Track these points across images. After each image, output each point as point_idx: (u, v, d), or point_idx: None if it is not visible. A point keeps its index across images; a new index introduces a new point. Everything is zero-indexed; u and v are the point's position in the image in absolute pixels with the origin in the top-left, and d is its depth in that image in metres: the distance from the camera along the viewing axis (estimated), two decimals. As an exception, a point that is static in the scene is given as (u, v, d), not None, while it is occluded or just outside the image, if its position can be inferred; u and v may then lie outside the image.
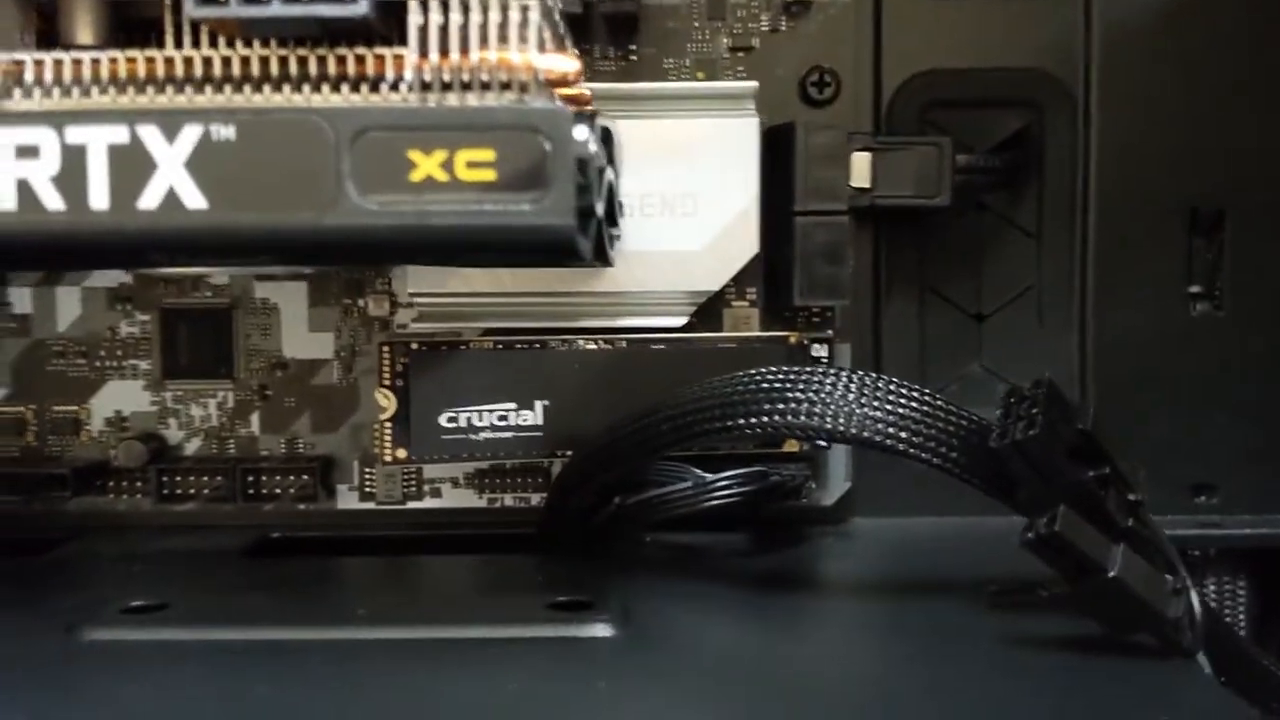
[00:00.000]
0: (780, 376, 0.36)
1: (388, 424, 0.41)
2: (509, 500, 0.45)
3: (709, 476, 0.40)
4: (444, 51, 0.25)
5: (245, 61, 0.26)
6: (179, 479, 0.45)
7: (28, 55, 0.26)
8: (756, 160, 0.42)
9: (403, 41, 0.25)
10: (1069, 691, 0.30)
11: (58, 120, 0.24)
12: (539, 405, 0.42)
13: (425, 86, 0.25)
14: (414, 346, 0.41)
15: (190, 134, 0.24)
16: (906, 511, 0.46)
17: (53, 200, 0.24)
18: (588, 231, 0.25)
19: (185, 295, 0.45)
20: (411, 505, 0.46)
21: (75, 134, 0.24)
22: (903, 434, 0.34)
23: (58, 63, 0.26)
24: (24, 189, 0.24)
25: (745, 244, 0.42)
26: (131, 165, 0.24)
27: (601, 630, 0.33)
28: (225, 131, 0.24)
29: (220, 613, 0.35)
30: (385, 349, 0.41)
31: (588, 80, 0.42)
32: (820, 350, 0.43)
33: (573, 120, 0.24)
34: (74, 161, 0.24)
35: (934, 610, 0.36)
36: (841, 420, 0.34)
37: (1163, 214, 0.46)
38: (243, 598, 0.37)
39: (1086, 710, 0.29)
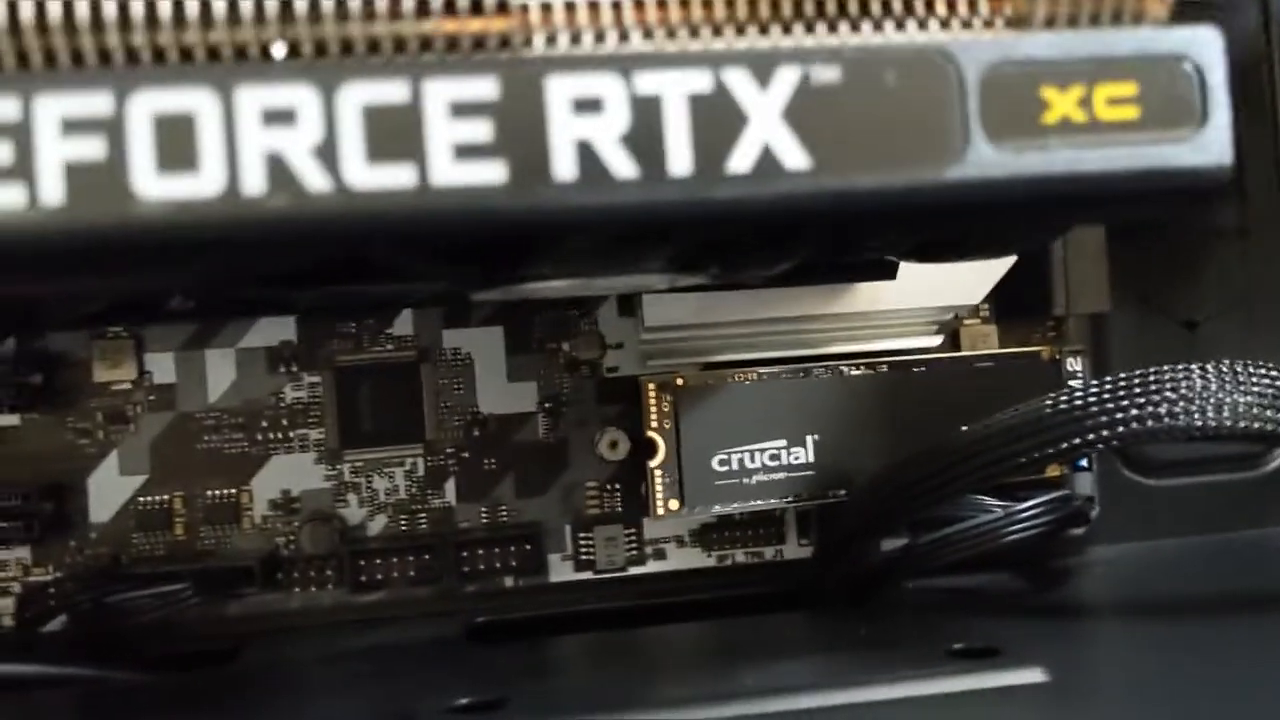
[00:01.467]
0: (1135, 382, 0.33)
1: (658, 472, 0.36)
2: (740, 556, 0.41)
3: (1016, 505, 0.37)
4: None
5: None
6: (376, 562, 0.39)
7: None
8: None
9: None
10: None
11: (624, 65, 0.20)
12: (809, 440, 0.38)
13: (1014, 22, 0.21)
14: (680, 383, 0.37)
15: (786, 78, 0.20)
16: (1143, 535, 0.44)
17: (622, 165, 0.20)
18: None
19: (362, 350, 0.39)
20: (634, 571, 0.40)
21: (646, 82, 0.20)
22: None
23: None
24: (585, 152, 0.19)
25: (1004, 253, 0.39)
26: (718, 119, 0.20)
27: (1034, 676, 0.29)
28: (828, 74, 0.20)
29: (569, 701, 0.30)
30: (651, 388, 0.37)
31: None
32: (1075, 363, 0.41)
33: (1223, 42, 0.21)
34: (647, 117, 0.20)
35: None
36: (1225, 413, 0.32)
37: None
38: (568, 683, 0.32)
39: None
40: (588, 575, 0.40)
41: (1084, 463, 0.40)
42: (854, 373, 0.38)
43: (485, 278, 0.24)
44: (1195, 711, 0.28)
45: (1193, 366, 0.33)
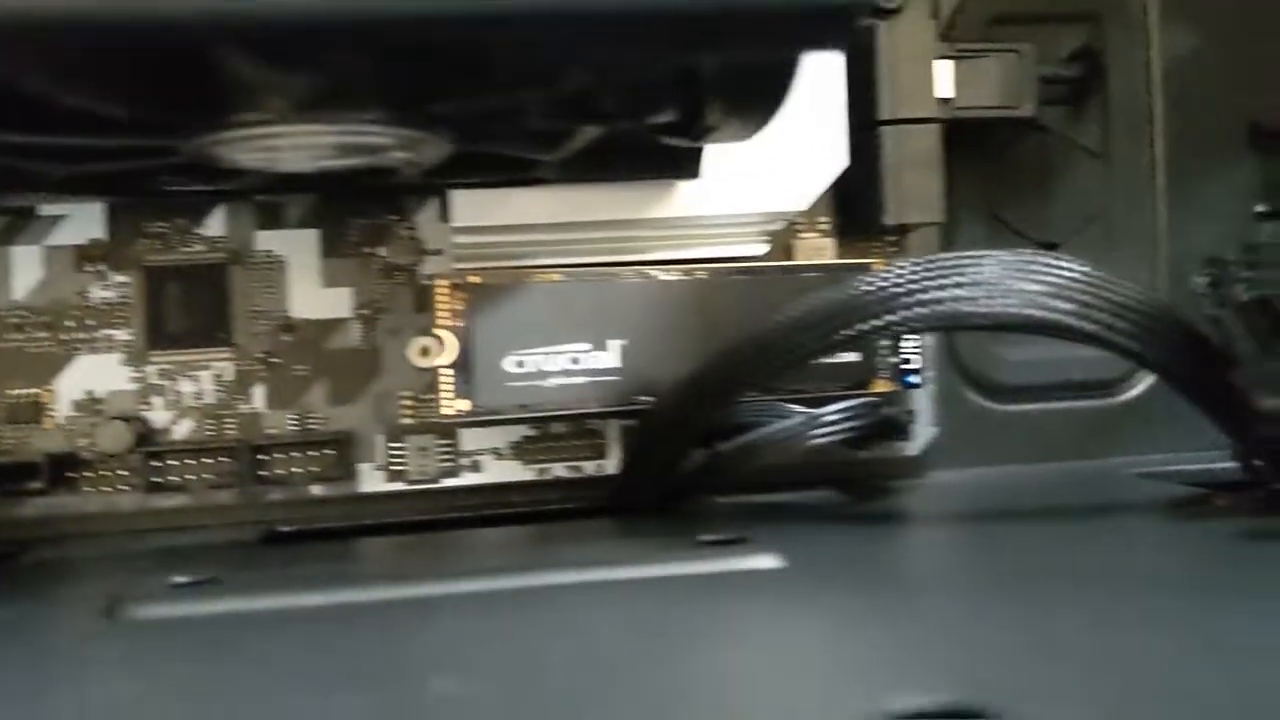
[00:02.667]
0: (920, 268, 0.32)
1: (447, 371, 0.35)
2: (560, 470, 0.40)
3: (817, 411, 0.36)
4: None
5: None
6: (171, 464, 0.38)
7: None
8: (842, 64, 0.38)
9: None
10: None
11: None
12: (615, 345, 0.37)
13: None
14: (474, 281, 0.36)
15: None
16: (990, 461, 0.42)
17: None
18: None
19: (172, 250, 0.38)
20: (447, 483, 0.39)
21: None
22: (1072, 308, 0.30)
23: None
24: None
25: (832, 157, 0.38)
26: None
27: (771, 562, 0.28)
28: None
29: (284, 582, 0.29)
30: (443, 284, 0.35)
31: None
32: (907, 277, 0.39)
33: None
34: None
35: (1116, 525, 0.33)
36: (1012, 300, 0.30)
37: (1228, 130, 0.43)
38: (302, 568, 0.31)
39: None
40: (399, 486, 0.39)
41: (913, 379, 0.39)
42: (666, 278, 0.37)
43: (158, 114, 0.23)
44: (919, 599, 0.27)
45: (988, 254, 0.32)
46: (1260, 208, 0.44)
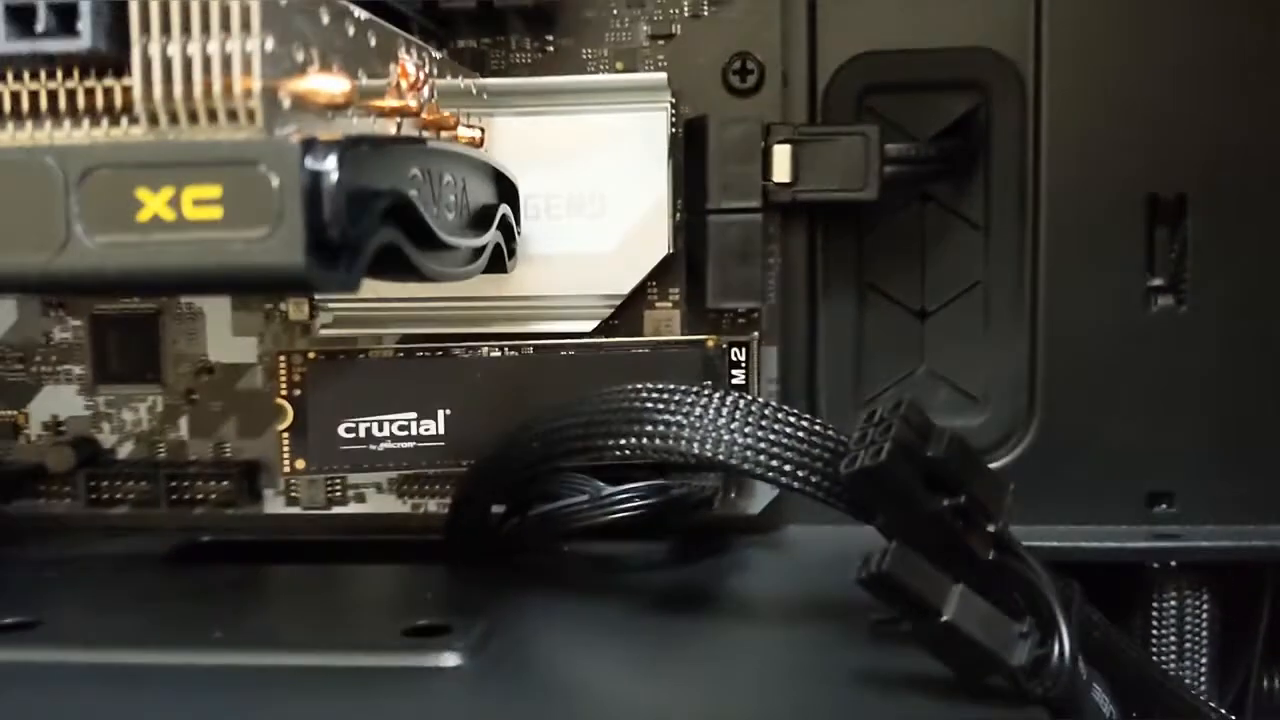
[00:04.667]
0: (651, 396, 0.34)
1: (285, 435, 0.41)
2: (432, 506, 0.45)
3: (607, 490, 0.39)
4: (168, 82, 0.24)
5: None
6: (109, 483, 0.45)
7: None
8: (665, 155, 0.40)
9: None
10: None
11: None
12: (441, 414, 0.41)
13: (153, 120, 0.24)
14: (311, 356, 0.41)
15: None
16: (841, 518, 0.44)
17: None
18: (338, 264, 0.24)
19: (115, 301, 0.45)
20: (336, 510, 0.45)
21: None
22: (773, 461, 0.32)
23: None
24: None
25: (655, 244, 0.41)
26: None
27: (450, 660, 0.32)
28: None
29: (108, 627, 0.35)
30: (283, 359, 0.41)
31: (502, 73, 0.41)
32: (740, 354, 0.41)
33: (301, 152, 0.23)
34: None
35: (810, 639, 0.35)
36: (709, 445, 0.33)
37: (1120, 201, 0.42)
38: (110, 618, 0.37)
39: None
40: (296, 510, 0.45)
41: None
42: (494, 354, 0.41)
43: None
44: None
45: (711, 395, 0.33)
46: (1154, 281, 0.43)
